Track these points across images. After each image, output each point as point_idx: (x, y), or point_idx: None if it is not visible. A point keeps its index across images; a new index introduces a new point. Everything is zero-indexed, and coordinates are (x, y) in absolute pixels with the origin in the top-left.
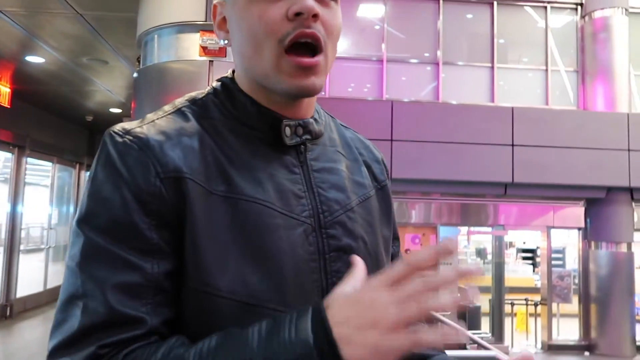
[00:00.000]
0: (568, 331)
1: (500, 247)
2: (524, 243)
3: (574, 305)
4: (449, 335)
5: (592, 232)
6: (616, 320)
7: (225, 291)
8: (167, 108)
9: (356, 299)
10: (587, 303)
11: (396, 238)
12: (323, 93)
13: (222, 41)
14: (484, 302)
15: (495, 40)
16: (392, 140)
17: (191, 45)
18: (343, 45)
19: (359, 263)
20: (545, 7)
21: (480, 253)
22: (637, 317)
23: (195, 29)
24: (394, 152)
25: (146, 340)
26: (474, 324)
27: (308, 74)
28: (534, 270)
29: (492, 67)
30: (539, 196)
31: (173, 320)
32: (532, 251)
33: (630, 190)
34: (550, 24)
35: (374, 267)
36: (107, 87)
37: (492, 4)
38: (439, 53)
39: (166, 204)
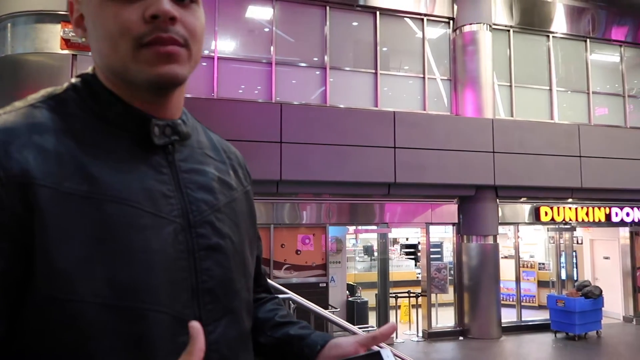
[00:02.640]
0: (445, 319)
1: (385, 244)
2: (407, 239)
3: (450, 295)
4: None
5: (464, 227)
6: (485, 305)
7: (90, 295)
8: (18, 104)
9: None
10: (460, 292)
11: (258, 238)
12: (212, 94)
13: (80, 39)
14: (370, 297)
15: (378, 48)
16: (281, 142)
17: (51, 37)
18: (232, 46)
19: (196, 336)
20: (422, 20)
21: (368, 250)
22: (502, 302)
23: (56, 19)
24: (284, 154)
25: None
26: (361, 319)
27: (168, 61)
28: (416, 265)
29: (376, 74)
30: (419, 195)
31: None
32: (414, 247)
33: (495, 189)
34: (427, 35)
35: (240, 266)
36: None
37: (375, 13)
38: (326, 58)
39: (5, 211)
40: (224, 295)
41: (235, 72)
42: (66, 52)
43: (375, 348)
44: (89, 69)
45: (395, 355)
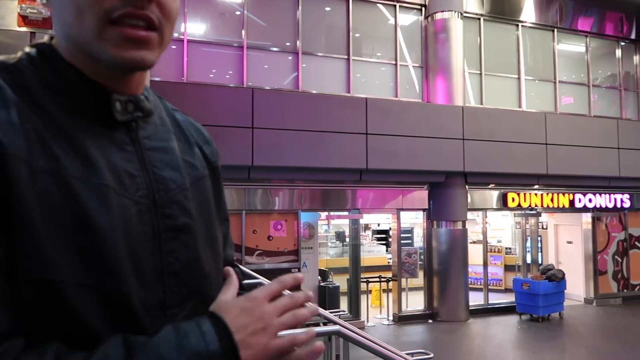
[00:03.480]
0: (415, 302)
1: (357, 230)
2: (379, 225)
3: (420, 279)
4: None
5: (434, 212)
6: (453, 289)
7: (68, 275)
8: None
9: (248, 310)
10: (430, 276)
11: (226, 219)
12: (182, 78)
13: (40, 2)
14: (342, 282)
15: (351, 33)
16: (253, 127)
17: (7, 13)
18: (202, 29)
19: (232, 274)
20: (395, 6)
21: (340, 236)
22: (470, 286)
23: None
24: (255, 139)
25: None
26: (333, 303)
27: (138, 47)
28: (387, 250)
29: (348, 60)
30: (390, 181)
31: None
32: (386, 232)
33: (465, 175)
34: (399, 22)
35: (209, 246)
36: None
37: None
38: (298, 43)
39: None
40: (190, 278)
41: (205, 56)
42: (24, 29)
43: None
44: (45, 39)
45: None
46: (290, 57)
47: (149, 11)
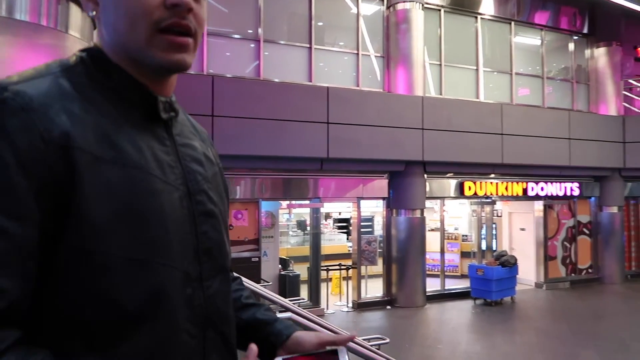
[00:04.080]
0: (374, 289)
1: (318, 218)
2: (340, 214)
3: (379, 267)
4: None
5: (393, 201)
6: (411, 276)
7: (117, 249)
8: (41, 71)
9: None
10: (389, 263)
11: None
12: None
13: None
14: (303, 270)
15: (313, 22)
16: (213, 115)
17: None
18: None
19: (252, 351)
20: None
21: (301, 225)
22: (427, 272)
23: None
24: (215, 128)
25: (7, 319)
26: (293, 292)
27: (180, 51)
28: (347, 238)
29: (310, 48)
30: (351, 170)
31: (33, 291)
32: (347, 221)
33: (424, 164)
34: (361, 11)
35: (226, 231)
36: None
37: None
38: (260, 30)
39: (50, 170)
40: (218, 256)
41: None
42: None
43: (333, 347)
44: (91, 44)
45: (325, 325)
46: (252, 45)
47: (188, 21)
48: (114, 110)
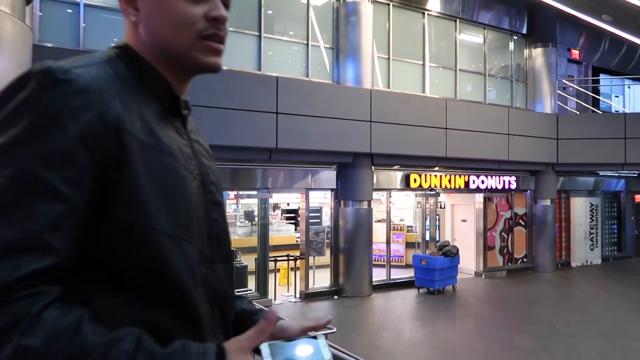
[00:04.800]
0: (322, 280)
1: (266, 209)
2: (288, 205)
3: (327, 257)
4: None
5: (341, 192)
6: (358, 266)
7: (159, 224)
8: (88, 59)
9: (246, 352)
10: (336, 254)
11: None
12: (78, 46)
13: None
14: (250, 261)
15: (263, 10)
16: None
17: None
18: None
19: (268, 320)
20: None
21: (249, 216)
22: (374, 262)
23: None
24: None
25: (53, 276)
26: (240, 283)
27: (216, 55)
28: (296, 229)
29: (260, 37)
30: (300, 161)
31: (77, 254)
32: (295, 211)
33: (371, 156)
34: (311, 2)
35: (226, 221)
36: None
37: None
38: None
39: (105, 147)
40: (224, 242)
41: (106, 23)
42: None
43: (313, 333)
44: (120, 43)
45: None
46: None
47: (223, 32)
48: (146, 101)
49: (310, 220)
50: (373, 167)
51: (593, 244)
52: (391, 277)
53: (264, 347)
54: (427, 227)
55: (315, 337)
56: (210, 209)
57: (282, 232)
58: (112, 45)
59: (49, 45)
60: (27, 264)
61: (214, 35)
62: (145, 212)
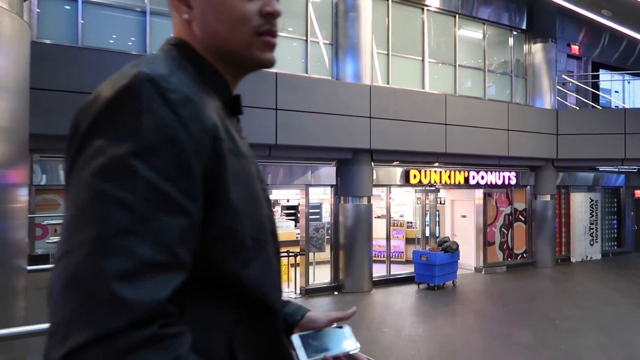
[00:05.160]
0: (322, 276)
1: None
2: (288, 201)
3: (326, 253)
4: None
5: (341, 188)
6: (358, 262)
7: (247, 228)
8: (169, 60)
9: None
10: (336, 250)
11: None
12: (77, 42)
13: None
14: None
15: None
16: None
17: None
18: None
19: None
20: None
21: None
22: (373, 258)
23: None
24: None
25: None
26: None
27: (271, 50)
28: (295, 225)
29: None
30: (299, 157)
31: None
32: (295, 208)
33: (371, 152)
34: None
35: None
36: None
37: None
38: None
39: (209, 156)
40: (277, 238)
41: (104, 20)
42: None
43: (340, 324)
44: (172, 40)
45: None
46: None
47: (276, 27)
48: (217, 104)
49: (310, 217)
50: (373, 163)
51: (593, 240)
52: (391, 273)
53: (295, 339)
54: (427, 223)
55: (341, 327)
56: (267, 206)
57: (282, 228)
58: (170, 42)
59: (47, 42)
60: (168, 283)
61: (269, 31)
62: (237, 217)
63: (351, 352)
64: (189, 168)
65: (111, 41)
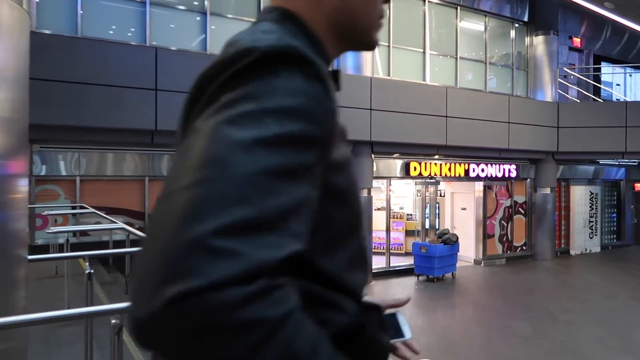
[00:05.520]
0: None
1: None
2: None
3: None
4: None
5: None
6: None
7: (346, 217)
8: (286, 31)
9: None
10: None
11: None
12: (76, 33)
13: None
14: None
15: None
16: (156, 89)
17: None
18: None
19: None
20: None
21: None
22: (373, 250)
23: None
24: (159, 102)
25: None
26: None
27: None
28: None
29: None
30: None
31: None
32: None
33: (371, 144)
34: None
35: None
36: None
37: None
38: (206, 3)
39: (333, 141)
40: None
41: (103, 10)
42: None
43: (392, 310)
44: (281, 6)
45: None
46: (198, 18)
47: None
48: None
49: None
50: (373, 155)
51: (592, 232)
52: (391, 265)
53: (400, 316)
54: (426, 215)
55: (394, 314)
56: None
57: None
58: (274, 11)
59: (47, 32)
60: (284, 246)
61: (381, 17)
62: (340, 206)
63: (407, 339)
64: (328, 148)
65: (111, 32)
